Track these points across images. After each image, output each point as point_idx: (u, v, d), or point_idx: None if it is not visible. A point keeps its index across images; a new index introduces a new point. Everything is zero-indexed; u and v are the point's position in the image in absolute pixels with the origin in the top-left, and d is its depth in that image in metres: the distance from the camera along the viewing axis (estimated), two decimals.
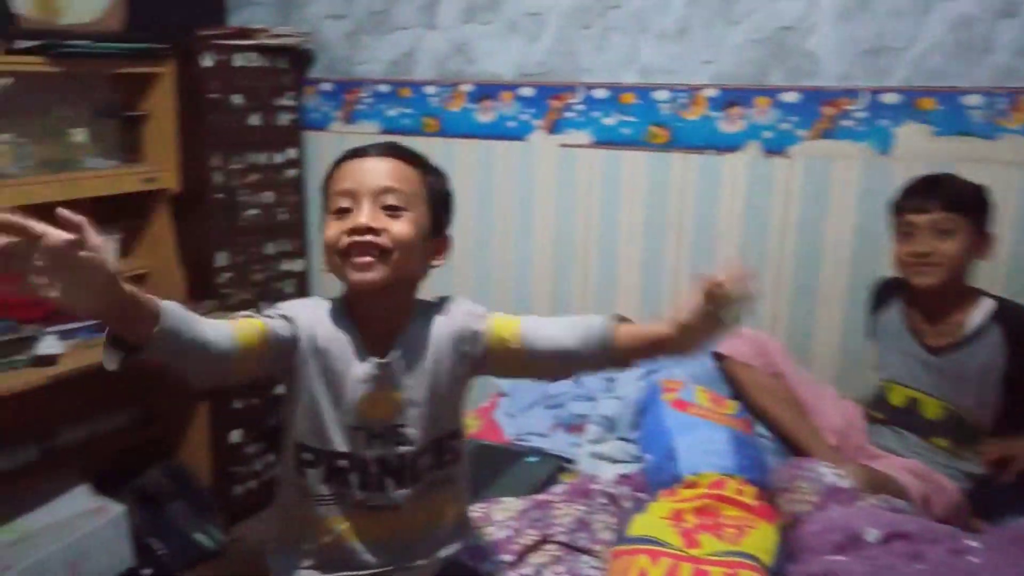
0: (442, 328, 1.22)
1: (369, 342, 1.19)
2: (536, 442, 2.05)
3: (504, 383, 2.33)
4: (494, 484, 1.86)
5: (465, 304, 1.27)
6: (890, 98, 2.15)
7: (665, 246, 2.49)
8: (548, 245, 2.67)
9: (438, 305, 1.26)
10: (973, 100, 2.06)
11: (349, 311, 1.21)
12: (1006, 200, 2.02)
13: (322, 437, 1.19)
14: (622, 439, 1.93)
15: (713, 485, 1.49)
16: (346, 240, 1.14)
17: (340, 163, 1.21)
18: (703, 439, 1.64)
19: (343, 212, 1.15)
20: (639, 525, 1.42)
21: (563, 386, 2.23)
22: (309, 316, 1.18)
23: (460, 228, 2.72)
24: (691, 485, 1.51)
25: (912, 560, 1.33)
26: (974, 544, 1.39)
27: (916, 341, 1.85)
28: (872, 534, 1.36)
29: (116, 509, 2.40)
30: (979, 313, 1.77)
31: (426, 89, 2.77)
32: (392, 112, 2.84)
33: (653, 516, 1.44)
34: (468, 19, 2.66)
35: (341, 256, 1.15)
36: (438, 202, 1.23)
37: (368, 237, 1.13)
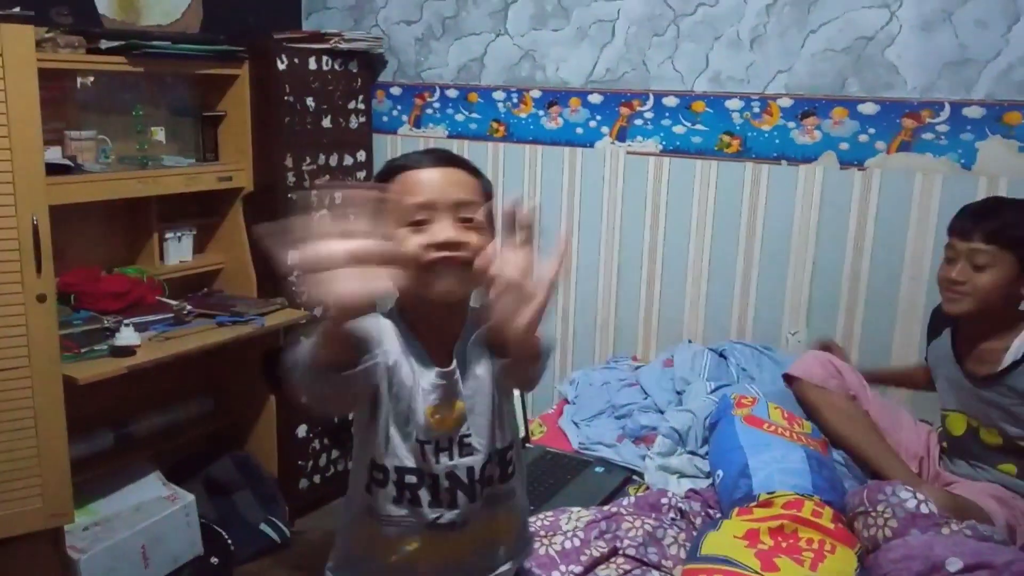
0: (483, 335, 1.22)
1: (431, 352, 1.19)
2: (603, 452, 2.05)
3: (569, 390, 2.34)
4: (561, 492, 1.86)
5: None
6: (973, 111, 2.10)
7: (735, 258, 2.46)
8: (615, 252, 2.66)
9: (478, 311, 1.25)
10: None
11: (409, 323, 1.21)
12: None
13: (393, 454, 1.19)
14: (691, 453, 1.92)
15: (789, 505, 1.47)
16: (432, 255, 1.14)
17: (403, 171, 1.19)
18: (778, 457, 1.62)
19: (419, 224, 1.15)
20: (713, 543, 1.41)
21: (630, 395, 2.23)
22: (378, 334, 1.17)
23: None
24: (765, 504, 1.50)
25: None
26: None
27: (960, 368, 1.79)
28: (954, 563, 1.33)
29: (187, 497, 2.47)
30: (1020, 342, 1.70)
31: (494, 94, 2.79)
32: (460, 117, 2.86)
33: (727, 535, 1.43)
34: (538, 25, 2.67)
35: (422, 269, 1.14)
36: (492, 209, 1.22)
37: (456, 252, 1.13)
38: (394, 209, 1.14)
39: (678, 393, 2.16)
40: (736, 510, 1.51)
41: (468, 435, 1.20)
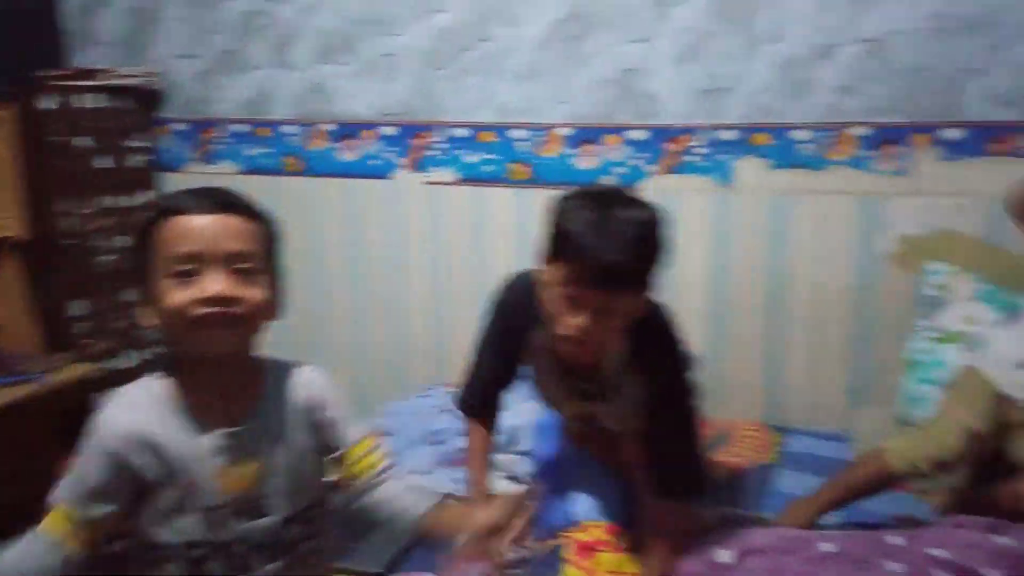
0: (294, 395, 1.18)
1: (214, 411, 1.13)
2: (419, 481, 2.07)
3: (389, 422, 2.34)
4: (375, 530, 1.86)
5: (309, 373, 1.23)
6: (727, 135, 2.32)
7: None
8: (421, 280, 2.70)
9: (286, 368, 1.21)
10: (802, 135, 2.25)
11: (184, 381, 1.13)
12: (837, 226, 2.23)
13: (175, 529, 1.12)
14: (520, 453, 1.98)
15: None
16: (200, 311, 1.05)
17: (169, 216, 1.09)
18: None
19: (186, 275, 1.06)
20: None
21: (446, 421, 2.26)
22: (125, 426, 1.09)
23: (330, 267, 2.76)
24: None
25: (773, 574, 1.43)
26: (830, 547, 1.49)
27: None
28: (725, 555, 1.46)
29: None
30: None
31: (285, 128, 2.75)
32: (251, 152, 2.80)
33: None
34: (324, 59, 2.66)
35: (190, 324, 1.06)
36: (275, 254, 1.16)
37: (227, 308, 1.07)
38: (159, 259, 1.07)
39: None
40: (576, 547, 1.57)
41: (264, 496, 1.15)
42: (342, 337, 2.83)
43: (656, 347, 1.46)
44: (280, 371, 1.20)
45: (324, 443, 1.20)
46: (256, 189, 1.24)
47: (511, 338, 1.55)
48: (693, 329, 2.37)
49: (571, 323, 1.32)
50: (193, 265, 1.06)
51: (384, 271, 2.74)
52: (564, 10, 2.38)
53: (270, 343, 1.18)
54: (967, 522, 1.48)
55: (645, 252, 1.32)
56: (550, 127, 2.47)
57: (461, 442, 2.12)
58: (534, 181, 2.52)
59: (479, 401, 1.65)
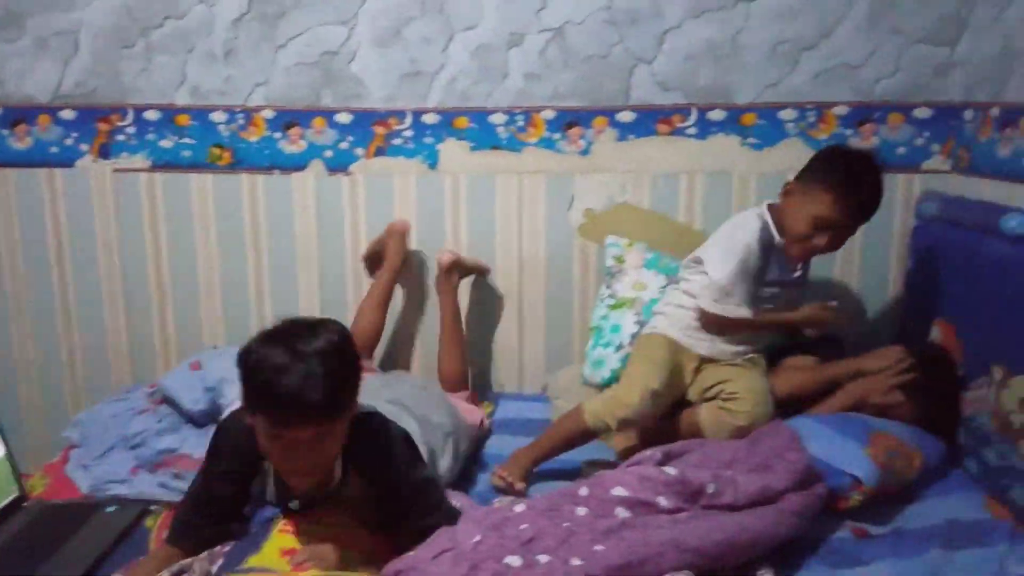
0: None
1: None
2: (116, 489, 1.92)
3: (74, 433, 2.15)
4: (67, 544, 1.71)
5: None
6: (431, 118, 2.39)
7: (245, 267, 2.49)
8: (117, 278, 2.51)
9: None
10: (498, 119, 2.38)
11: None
12: (535, 201, 2.39)
13: None
14: None
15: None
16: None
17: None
18: None
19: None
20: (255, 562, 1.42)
21: (143, 423, 2.12)
22: None
23: (5, 269, 2.48)
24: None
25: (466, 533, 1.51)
26: (521, 507, 1.60)
27: None
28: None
29: None
30: None
31: None
32: None
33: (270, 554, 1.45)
34: None
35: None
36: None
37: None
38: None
39: (209, 390, 2.12)
40: (280, 524, 1.53)
41: None
42: (27, 346, 2.56)
43: (371, 452, 1.50)
44: None
45: None
46: None
47: (228, 480, 1.55)
48: (409, 310, 2.47)
49: (288, 468, 1.43)
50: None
51: (73, 268, 2.51)
52: None
53: None
54: (642, 458, 1.67)
55: (338, 378, 1.35)
56: (255, 110, 2.40)
57: (161, 442, 2.02)
58: (235, 166, 2.44)
59: (179, 533, 1.58)
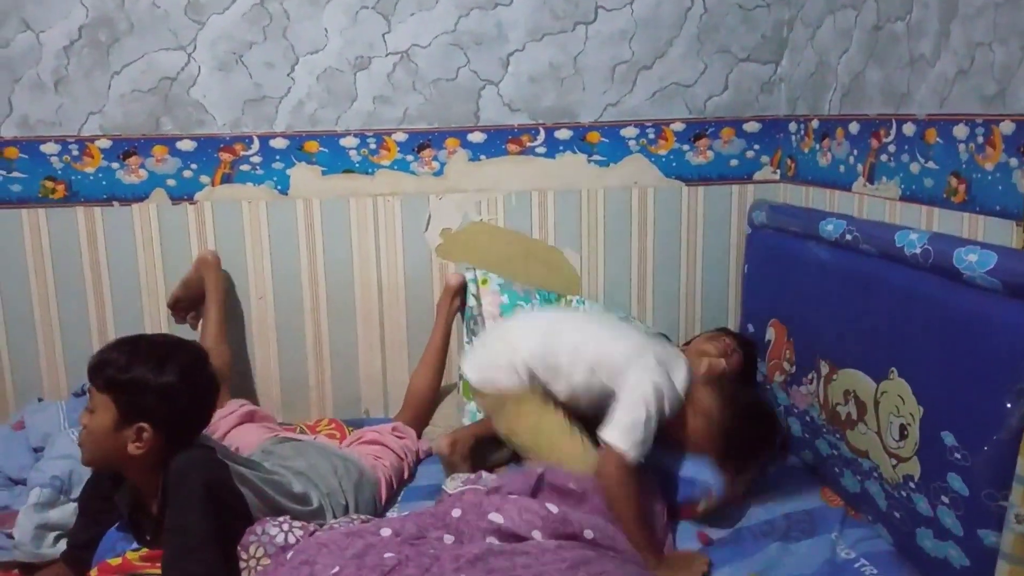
0: None
1: None
2: None
3: None
4: None
5: None
6: (279, 143, 2.35)
7: (85, 306, 2.37)
8: None
9: None
10: (350, 142, 2.37)
11: None
12: (391, 223, 2.38)
13: None
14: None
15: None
16: None
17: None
18: None
19: None
20: None
21: None
22: None
23: None
24: None
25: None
26: (388, 531, 1.57)
27: None
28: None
29: None
30: None
31: None
32: None
33: None
34: None
35: None
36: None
37: None
38: None
39: (36, 451, 2.02)
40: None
41: None
42: None
43: (169, 483, 1.48)
44: None
45: None
46: None
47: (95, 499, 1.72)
48: (266, 339, 2.41)
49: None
50: None
51: None
52: (89, 15, 2.22)
53: None
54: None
55: (123, 364, 1.53)
56: (89, 139, 2.29)
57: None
58: (72, 198, 2.32)
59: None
